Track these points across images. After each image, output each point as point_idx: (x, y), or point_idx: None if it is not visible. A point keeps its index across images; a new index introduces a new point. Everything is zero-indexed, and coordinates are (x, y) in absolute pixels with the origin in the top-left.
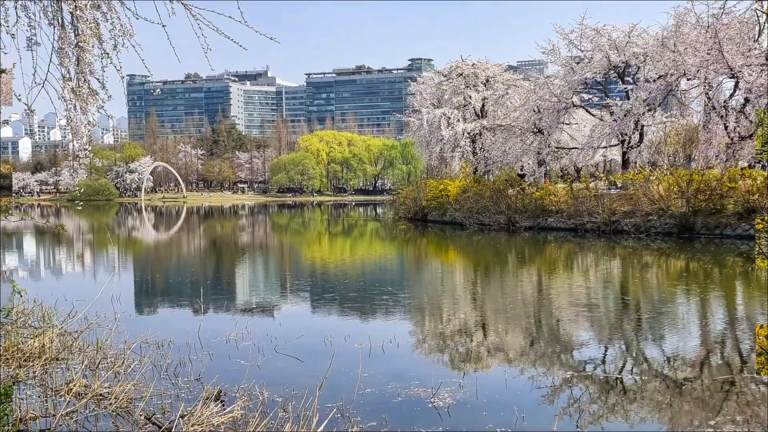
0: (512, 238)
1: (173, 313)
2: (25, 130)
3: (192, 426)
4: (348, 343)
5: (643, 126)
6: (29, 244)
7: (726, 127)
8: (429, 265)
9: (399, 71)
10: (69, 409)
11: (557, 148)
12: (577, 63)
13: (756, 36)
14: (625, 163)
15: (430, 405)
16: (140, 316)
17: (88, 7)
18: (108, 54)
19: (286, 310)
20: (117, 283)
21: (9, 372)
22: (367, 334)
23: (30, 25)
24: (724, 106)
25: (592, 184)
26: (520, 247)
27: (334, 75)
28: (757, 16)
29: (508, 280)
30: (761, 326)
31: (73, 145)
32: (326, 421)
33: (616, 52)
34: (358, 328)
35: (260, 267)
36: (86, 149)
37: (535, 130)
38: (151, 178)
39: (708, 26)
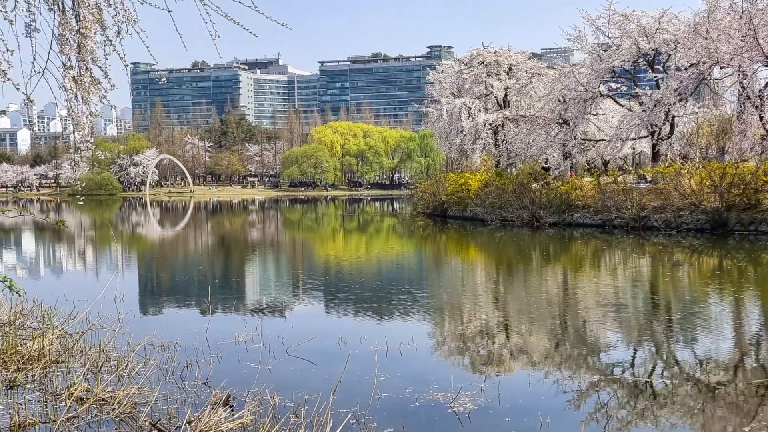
0: (536, 235)
1: (180, 314)
2: (24, 121)
3: None
4: (363, 345)
5: (674, 117)
6: (28, 240)
7: (761, 118)
8: (449, 263)
9: (417, 59)
10: (70, 415)
11: (583, 139)
12: (605, 50)
13: None
14: (655, 156)
15: (449, 410)
16: (145, 316)
17: None
18: (111, 41)
19: (298, 311)
20: (120, 282)
21: (7, 375)
22: (384, 336)
23: (29, 11)
24: (759, 96)
25: (620, 178)
26: (544, 243)
27: (349, 63)
28: None
29: (531, 278)
30: None
31: (74, 137)
32: (341, 427)
33: (645, 39)
34: (374, 330)
35: (271, 265)
36: (88, 141)
37: (561, 121)
38: (157, 171)
39: (742, 12)
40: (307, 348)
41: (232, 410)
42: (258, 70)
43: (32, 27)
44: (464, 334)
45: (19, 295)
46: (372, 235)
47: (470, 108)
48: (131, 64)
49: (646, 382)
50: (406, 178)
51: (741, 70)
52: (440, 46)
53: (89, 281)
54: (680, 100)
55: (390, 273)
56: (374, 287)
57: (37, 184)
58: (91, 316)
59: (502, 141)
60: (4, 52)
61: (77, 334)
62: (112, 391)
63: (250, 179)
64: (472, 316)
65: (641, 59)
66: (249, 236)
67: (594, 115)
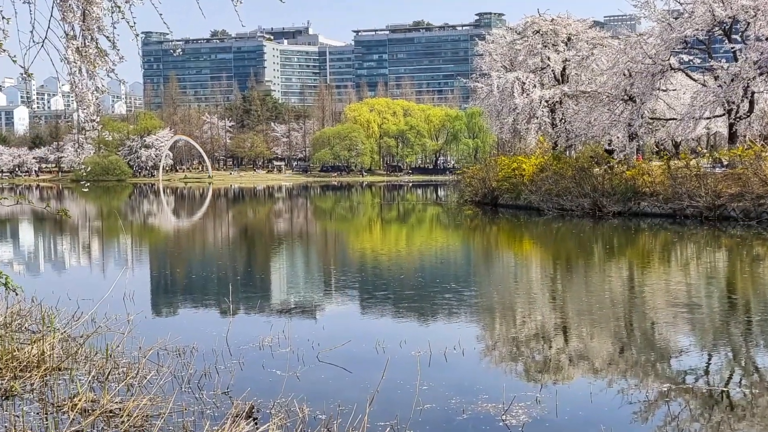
0: (598, 226)
1: (197, 315)
2: (22, 97)
3: None
4: (404, 349)
5: (753, 93)
6: (26, 232)
7: None
8: (500, 258)
9: (464, 28)
10: (73, 429)
11: (651, 118)
12: (676, 18)
13: None
14: (732, 137)
15: (501, 423)
16: (158, 318)
17: None
18: (119, 7)
19: (330, 311)
20: (130, 279)
21: (2, 384)
22: (427, 339)
23: None
24: None
25: (693, 162)
26: (607, 236)
27: (388, 32)
28: None
29: (593, 275)
30: None
31: (78, 116)
32: None
33: (721, 5)
34: (416, 332)
35: (299, 260)
36: (94, 120)
37: (626, 97)
38: (171, 154)
39: None
40: (340, 353)
41: (256, 423)
42: (285, 41)
43: None
44: (517, 338)
45: (17, 294)
46: (413, 226)
47: (524, 83)
48: (142, 33)
49: (722, 391)
50: (452, 162)
51: None
52: (490, 13)
53: (95, 278)
54: (761, 74)
55: (434, 269)
56: (416, 285)
57: (37, 169)
58: (97, 317)
59: (560, 120)
60: None
61: (81, 337)
62: (120, 402)
63: (276, 163)
64: (526, 317)
65: (716, 28)
66: (275, 227)
67: (663, 91)
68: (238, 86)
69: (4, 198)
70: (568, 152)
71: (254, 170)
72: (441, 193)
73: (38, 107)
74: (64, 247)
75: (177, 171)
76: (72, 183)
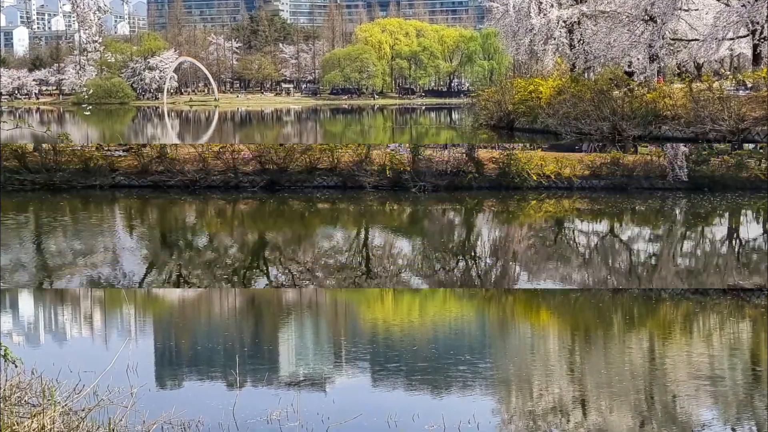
0: (618, 296)
1: (202, 387)
2: (21, 17)
3: None
4: (416, 423)
5: None
6: (26, 302)
7: None
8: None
9: None
10: None
11: (673, 39)
12: None
13: None
14: (757, 59)
15: None
16: (162, 390)
17: None
18: None
19: (340, 383)
20: (133, 350)
21: None
22: (440, 413)
23: None
24: None
25: (715, 84)
26: (627, 307)
27: None
28: None
29: (612, 347)
30: None
31: (80, 37)
32: None
33: None
34: (429, 405)
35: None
36: (96, 41)
37: (647, 17)
38: (176, 76)
39: None
40: (351, 427)
41: None
42: None
43: None
44: (534, 411)
45: (16, 366)
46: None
47: (541, 2)
48: None
49: None
50: (467, 85)
51: None
52: None
53: (97, 349)
54: None
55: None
56: (429, 356)
57: (37, 92)
58: (99, 390)
59: (579, 41)
60: None
61: (83, 411)
62: None
63: (284, 86)
64: (543, 390)
65: None
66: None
67: (685, 10)
68: (245, 6)
69: (4, 122)
70: (586, 74)
71: (262, 93)
72: (455, 116)
73: (38, 27)
74: (65, 317)
75: (182, 94)
76: (73, 106)
